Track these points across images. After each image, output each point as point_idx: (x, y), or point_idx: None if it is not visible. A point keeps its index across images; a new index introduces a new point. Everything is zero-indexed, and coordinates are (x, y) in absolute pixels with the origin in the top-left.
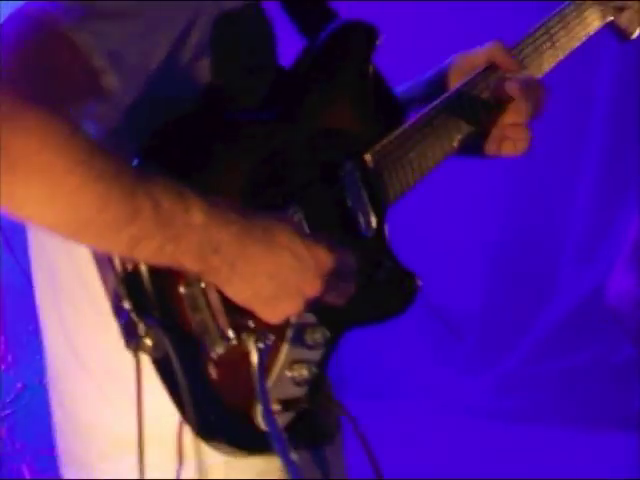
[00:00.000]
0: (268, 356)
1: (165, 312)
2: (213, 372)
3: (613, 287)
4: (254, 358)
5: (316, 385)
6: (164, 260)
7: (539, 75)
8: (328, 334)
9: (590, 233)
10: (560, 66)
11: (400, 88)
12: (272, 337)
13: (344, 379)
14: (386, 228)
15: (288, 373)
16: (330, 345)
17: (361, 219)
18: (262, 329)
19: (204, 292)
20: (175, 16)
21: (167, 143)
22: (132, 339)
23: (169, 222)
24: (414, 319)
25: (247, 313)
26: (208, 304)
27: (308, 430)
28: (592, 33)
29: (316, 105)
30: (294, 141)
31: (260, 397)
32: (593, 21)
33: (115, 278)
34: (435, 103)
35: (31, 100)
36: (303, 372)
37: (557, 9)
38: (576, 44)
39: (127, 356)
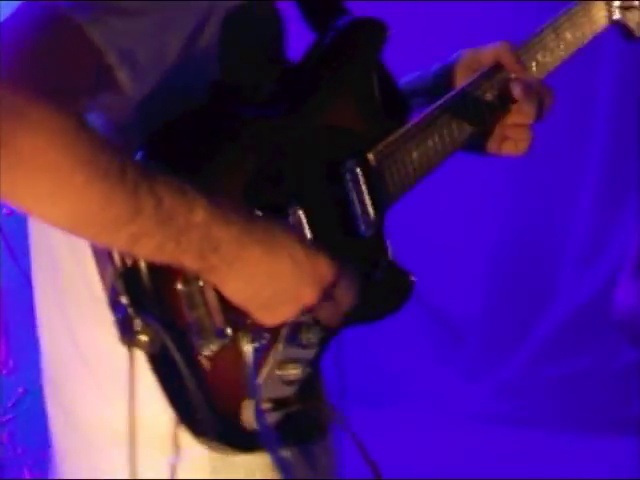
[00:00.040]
0: (262, 355)
1: (162, 309)
2: (206, 370)
3: (619, 303)
4: (249, 357)
5: (307, 384)
6: (164, 258)
7: (544, 74)
8: (323, 334)
9: (592, 235)
10: (562, 66)
11: (405, 79)
12: (267, 336)
13: (346, 387)
14: (385, 228)
15: (278, 372)
16: (323, 345)
17: (361, 218)
18: (258, 328)
19: (201, 290)
20: (187, 15)
21: (170, 138)
22: (127, 334)
23: (170, 221)
24: (414, 323)
25: (243, 312)
26: (205, 302)
27: (297, 427)
28: (599, 32)
29: (321, 102)
30: (297, 138)
31: (253, 396)
32: (600, 20)
33: (114, 273)
34: (439, 102)
35: (39, 96)
36: (294, 371)
37: (564, 8)
38: (583, 43)
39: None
